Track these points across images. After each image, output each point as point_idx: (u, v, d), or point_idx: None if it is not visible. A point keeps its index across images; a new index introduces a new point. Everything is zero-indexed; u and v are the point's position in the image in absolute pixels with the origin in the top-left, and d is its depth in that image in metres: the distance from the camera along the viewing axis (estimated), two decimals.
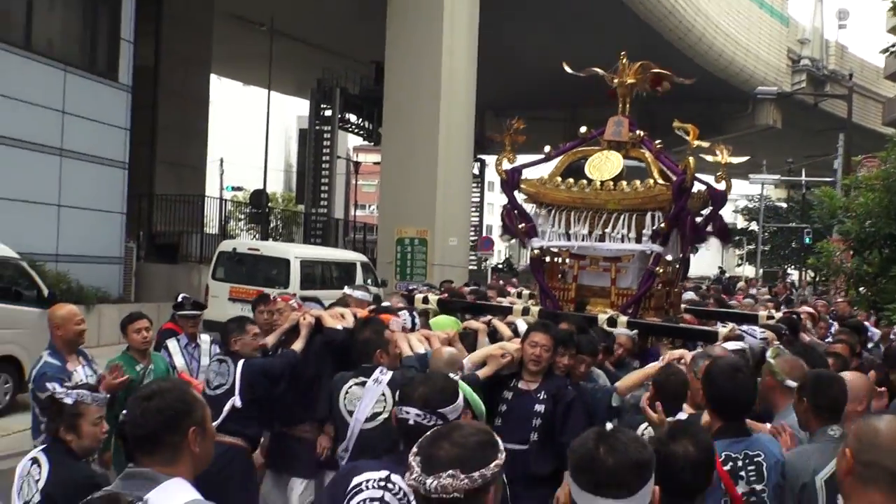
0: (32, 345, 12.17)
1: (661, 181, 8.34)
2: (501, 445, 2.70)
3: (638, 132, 8.89)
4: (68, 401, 4.22)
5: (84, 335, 6.43)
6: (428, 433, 2.77)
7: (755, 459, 4.16)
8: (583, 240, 8.46)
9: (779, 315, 10.27)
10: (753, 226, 52.80)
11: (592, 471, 2.57)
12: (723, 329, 7.63)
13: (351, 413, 5.51)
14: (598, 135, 8.96)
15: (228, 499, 5.50)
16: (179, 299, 9.09)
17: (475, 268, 35.37)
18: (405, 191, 26.62)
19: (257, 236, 33.98)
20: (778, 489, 4.14)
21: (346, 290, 9.04)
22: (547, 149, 9.06)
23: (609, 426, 3.09)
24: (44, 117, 18.88)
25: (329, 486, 3.65)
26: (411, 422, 3.43)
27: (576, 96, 36.23)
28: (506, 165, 8.79)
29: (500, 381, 6.09)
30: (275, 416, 6.57)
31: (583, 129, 9.18)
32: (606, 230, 8.36)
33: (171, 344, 8.17)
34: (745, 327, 7.74)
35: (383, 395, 5.47)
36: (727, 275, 47.90)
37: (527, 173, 8.94)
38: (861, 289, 10.07)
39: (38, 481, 4.01)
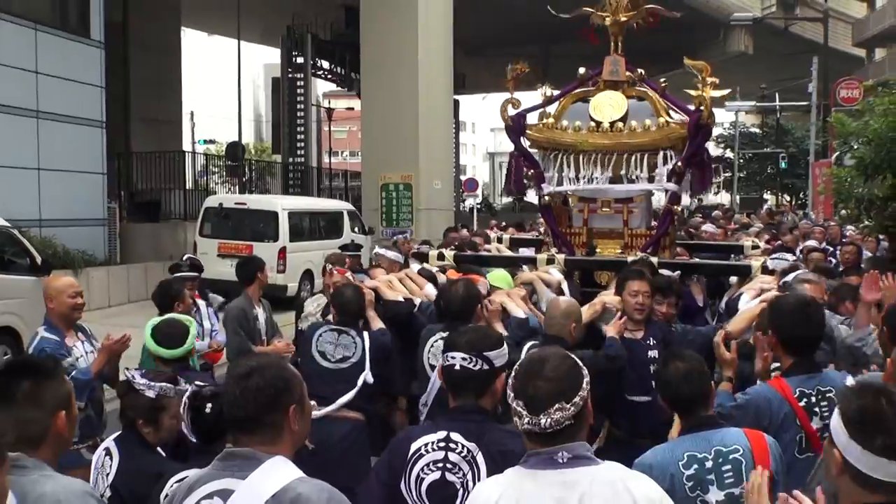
0: (29, 315, 11.93)
1: (671, 120, 8.28)
2: (579, 362, 2.90)
3: (639, 70, 8.78)
4: (150, 394, 4.02)
5: (80, 309, 6.02)
6: (514, 374, 2.88)
7: (827, 395, 4.15)
8: (593, 183, 8.35)
9: (763, 243, 10.36)
10: (728, 153, 52.83)
11: (890, 433, 2.43)
12: (756, 263, 7.69)
13: (433, 367, 5.49)
14: (596, 75, 8.81)
15: (348, 476, 5.44)
16: (184, 259, 8.93)
17: (455, 210, 35.23)
18: (387, 136, 26.34)
19: (232, 189, 33.60)
20: None
21: (377, 250, 8.85)
22: (548, 92, 8.92)
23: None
24: (17, 79, 18.52)
25: (386, 454, 3.62)
26: (457, 367, 3.49)
27: (547, 33, 35.95)
28: (511, 111, 8.63)
29: (602, 335, 5.99)
30: None
31: (581, 70, 9.00)
32: (618, 172, 8.25)
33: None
34: (775, 256, 7.82)
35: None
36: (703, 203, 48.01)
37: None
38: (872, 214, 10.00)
39: (108, 474, 3.91)
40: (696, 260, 9.02)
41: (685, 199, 8.82)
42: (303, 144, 35.29)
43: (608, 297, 6.32)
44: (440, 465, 3.42)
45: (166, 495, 3.49)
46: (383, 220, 26.67)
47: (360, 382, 5.96)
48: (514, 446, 3.32)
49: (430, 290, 7.15)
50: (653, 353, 5.91)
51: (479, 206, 33.35)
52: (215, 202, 20.45)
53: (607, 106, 8.46)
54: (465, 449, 3.41)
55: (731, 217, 24.55)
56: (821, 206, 24.61)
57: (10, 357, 4.32)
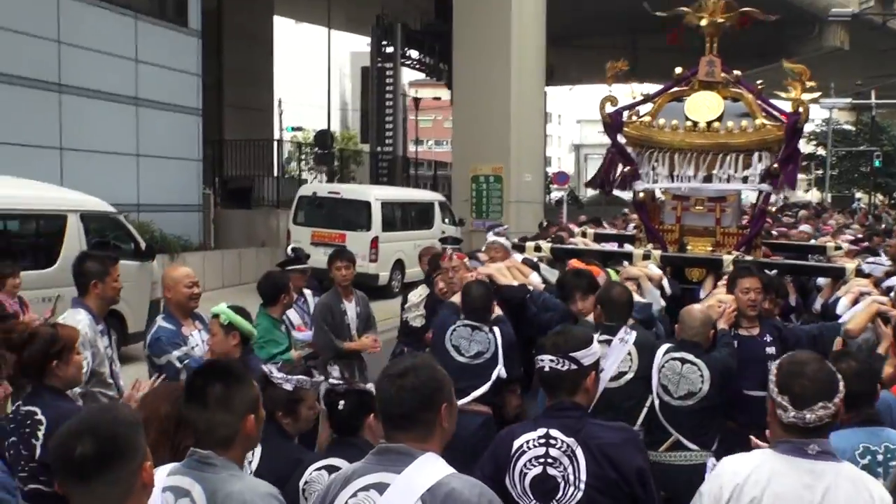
0: (134, 298, 12.40)
1: (766, 122, 8.30)
2: (832, 367, 3.23)
3: (735, 72, 8.79)
4: (288, 387, 4.22)
5: (197, 299, 6.16)
6: (778, 372, 3.18)
7: None
8: (688, 181, 8.39)
9: (846, 245, 10.27)
10: (821, 150, 51.73)
11: None
12: (850, 265, 7.73)
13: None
14: (692, 75, 8.83)
15: None
16: (289, 252, 9.07)
17: (544, 202, 35.11)
18: (478, 127, 26.27)
19: (320, 177, 33.93)
20: None
21: (492, 237, 8.93)
22: (641, 91, 9.00)
23: None
24: (118, 67, 19.03)
25: (490, 452, 3.80)
26: (546, 368, 3.65)
27: (635, 24, 35.57)
28: (609, 108, 8.71)
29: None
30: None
31: (678, 70, 9.04)
32: (712, 171, 8.30)
33: None
34: (871, 259, 7.85)
35: (629, 354, 5.65)
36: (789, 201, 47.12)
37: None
38: None
39: (250, 462, 4.06)
40: (792, 261, 9.02)
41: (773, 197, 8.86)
42: (391, 133, 35.57)
43: (722, 295, 6.46)
44: (542, 460, 3.60)
45: (306, 482, 3.77)
46: (473, 211, 26.67)
47: (493, 377, 6.17)
48: (611, 438, 3.61)
49: (535, 279, 7.37)
50: (770, 350, 6.10)
51: (567, 199, 33.21)
52: (309, 191, 20.84)
53: (703, 107, 8.51)
54: (565, 444, 3.59)
55: (820, 215, 24.10)
56: None
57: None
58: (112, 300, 5.98)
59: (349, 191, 21.18)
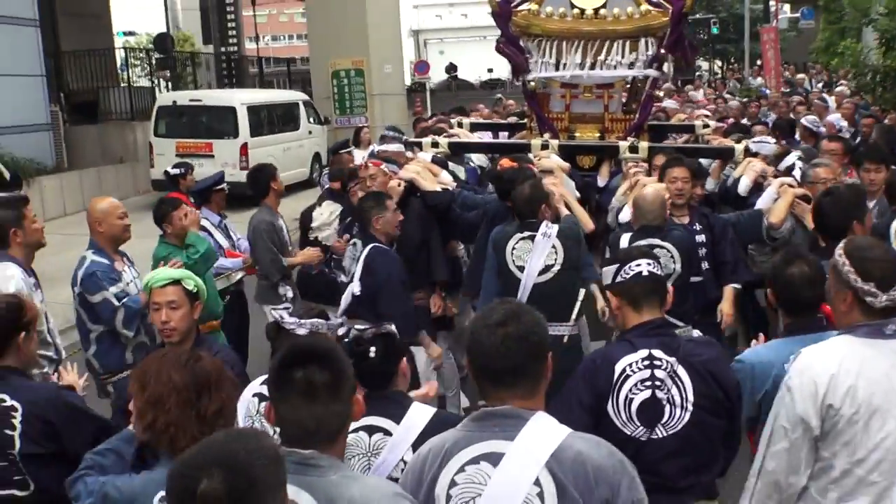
0: None
1: (652, 8, 8.42)
2: None
3: None
4: (302, 332, 3.68)
5: (129, 230, 5.76)
6: (851, 260, 3.15)
7: None
8: (576, 69, 8.44)
9: (712, 122, 10.59)
10: None
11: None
12: (738, 146, 8.00)
13: (521, 269, 5.76)
14: None
15: None
16: (171, 169, 8.62)
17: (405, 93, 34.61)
18: (335, 20, 25.40)
19: (157, 84, 31.98)
20: None
21: (382, 146, 8.60)
22: None
23: None
24: None
25: (587, 379, 3.57)
26: (645, 272, 3.54)
27: None
28: None
29: None
30: None
31: None
32: (599, 58, 8.38)
33: (206, 223, 7.40)
34: (757, 139, 8.13)
35: (553, 247, 5.78)
36: None
37: None
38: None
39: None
40: (685, 145, 9.29)
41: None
42: (234, 32, 34.49)
43: (655, 183, 6.40)
44: (648, 383, 3.46)
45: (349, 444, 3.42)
46: (336, 108, 26.10)
47: (346, 296, 6.02)
48: (709, 354, 3.55)
49: (447, 177, 7.43)
50: (700, 238, 6.22)
51: (415, 87, 32.87)
52: (168, 100, 19.99)
53: None
54: (668, 364, 3.46)
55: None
56: (773, 72, 24.48)
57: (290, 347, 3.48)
58: (38, 244, 5.47)
59: (212, 97, 20.41)
